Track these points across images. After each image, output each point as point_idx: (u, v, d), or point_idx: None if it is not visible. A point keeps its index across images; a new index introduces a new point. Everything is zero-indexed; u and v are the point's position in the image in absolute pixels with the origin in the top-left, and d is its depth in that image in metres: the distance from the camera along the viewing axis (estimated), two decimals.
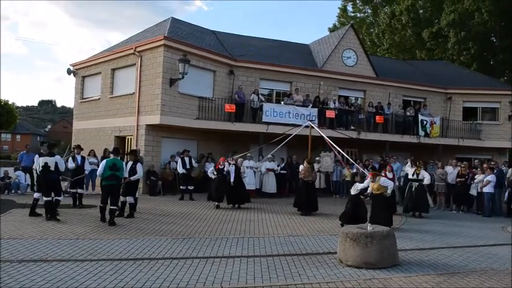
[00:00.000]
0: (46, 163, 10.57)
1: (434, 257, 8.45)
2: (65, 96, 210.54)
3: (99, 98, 20.16)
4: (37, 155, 11.61)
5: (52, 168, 10.58)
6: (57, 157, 10.93)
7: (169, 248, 8.22)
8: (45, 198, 10.61)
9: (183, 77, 16.93)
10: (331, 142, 13.99)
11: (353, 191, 11.26)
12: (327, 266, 7.44)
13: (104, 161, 10.75)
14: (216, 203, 14.06)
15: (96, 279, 6.17)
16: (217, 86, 19.19)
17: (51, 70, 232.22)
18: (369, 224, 8.04)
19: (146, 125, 17.44)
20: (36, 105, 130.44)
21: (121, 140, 18.85)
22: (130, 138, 18.32)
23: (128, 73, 18.83)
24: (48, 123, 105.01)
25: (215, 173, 14.32)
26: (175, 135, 18.23)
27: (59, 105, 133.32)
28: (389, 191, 11.05)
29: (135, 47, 17.97)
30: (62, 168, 10.98)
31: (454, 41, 32.49)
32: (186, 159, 15.91)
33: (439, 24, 33.94)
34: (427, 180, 14.41)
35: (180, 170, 15.87)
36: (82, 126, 21.07)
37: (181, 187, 15.94)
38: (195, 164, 16.42)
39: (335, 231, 10.38)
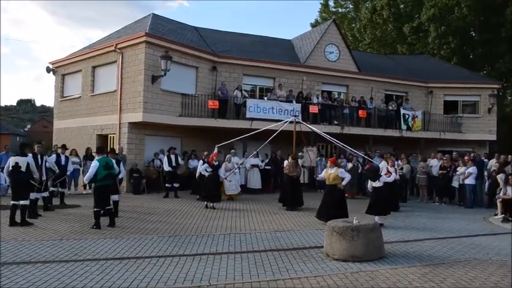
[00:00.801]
0: (17, 163, 9.91)
1: (419, 248, 8.58)
2: (44, 95, 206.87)
3: (80, 96, 19.87)
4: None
5: (23, 169, 9.92)
6: (29, 157, 10.23)
7: (155, 246, 8.17)
8: (12, 202, 9.88)
9: (165, 74, 16.80)
10: (335, 139, 14.34)
11: (377, 184, 10.97)
12: (314, 260, 7.49)
13: (96, 162, 10.02)
14: (211, 204, 13.28)
15: (82, 280, 6.10)
16: (200, 83, 19.09)
17: (29, 69, 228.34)
18: (355, 218, 8.10)
19: (129, 122, 17.27)
20: (15, 104, 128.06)
21: (103, 139, 18.62)
22: (113, 137, 18.12)
23: (109, 70, 18.60)
24: (28, 122, 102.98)
25: (208, 169, 13.66)
26: (158, 132, 18.08)
27: (38, 104, 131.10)
28: (344, 183, 10.76)
29: (116, 44, 17.75)
30: (33, 169, 10.24)
31: (435, 35, 32.88)
32: (172, 156, 15.80)
33: (419, 19, 34.28)
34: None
35: (166, 167, 15.76)
36: (63, 126, 20.75)
37: (166, 185, 15.84)
38: (181, 162, 16.33)
39: (321, 225, 10.45)
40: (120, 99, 17.57)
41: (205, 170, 13.75)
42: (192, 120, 18.09)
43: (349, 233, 7.43)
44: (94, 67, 19.41)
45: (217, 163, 13.83)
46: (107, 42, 19.37)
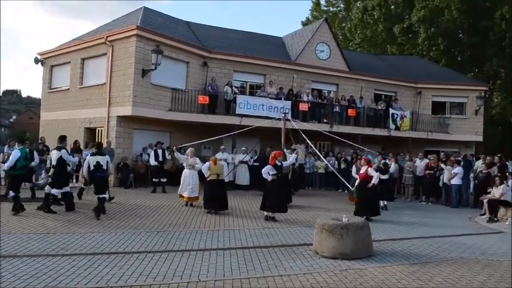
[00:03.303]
0: (98, 162, 10.68)
1: (406, 247, 8.65)
2: (31, 86, 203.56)
3: (69, 89, 19.59)
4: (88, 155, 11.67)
5: (104, 167, 10.79)
6: (107, 156, 11.17)
7: (143, 241, 8.10)
8: (99, 196, 10.62)
9: (155, 68, 16.65)
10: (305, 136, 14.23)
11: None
12: (303, 257, 7.49)
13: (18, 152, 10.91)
14: (272, 214, 11.02)
15: (70, 275, 6.02)
16: (191, 78, 18.96)
17: (15, 59, 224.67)
18: (344, 216, 8.12)
19: (117, 116, 17.08)
20: (0, 95, 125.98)
21: (91, 132, 18.43)
22: (101, 130, 17.92)
23: (98, 63, 18.37)
24: (13, 113, 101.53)
25: (272, 172, 11.05)
26: (147, 127, 17.93)
27: (24, 95, 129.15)
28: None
29: (106, 37, 17.53)
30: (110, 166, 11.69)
31: (424, 36, 33.08)
32: (159, 151, 15.71)
33: (409, 20, 34.47)
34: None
35: (153, 162, 15.67)
36: (50, 117, 20.47)
37: (153, 179, 15.73)
38: (168, 156, 16.23)
39: (309, 223, 10.48)
40: (110, 92, 17.37)
41: (268, 173, 11.07)
42: (181, 115, 17.97)
43: (339, 231, 7.45)
44: (83, 59, 19.15)
45: (280, 164, 11.45)
46: (97, 34, 19.14)
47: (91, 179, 11.04)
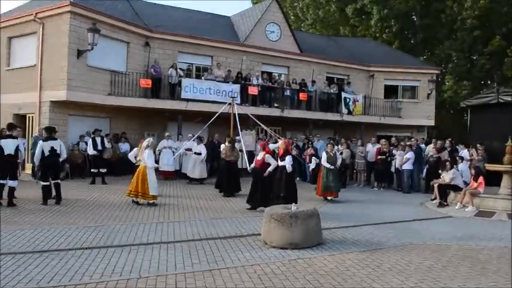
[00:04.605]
0: (52, 147, 10.92)
1: (357, 234, 8.93)
2: None
3: None
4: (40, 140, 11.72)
5: (58, 152, 11.05)
6: (59, 141, 11.40)
7: (80, 237, 7.88)
8: (42, 183, 11.02)
9: (92, 48, 16.16)
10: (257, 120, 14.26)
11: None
12: (251, 248, 7.57)
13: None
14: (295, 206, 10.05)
15: None
16: (131, 59, 18.53)
17: None
18: (293, 204, 8.26)
19: (50, 101, 16.47)
20: None
21: (21, 119, 17.62)
22: (32, 117, 17.22)
23: (27, 42, 17.57)
24: None
25: (292, 162, 11.01)
26: (84, 112, 17.41)
27: None
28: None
29: (36, 13, 16.76)
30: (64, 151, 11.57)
31: (377, 18, 33.83)
32: (98, 139, 15.29)
33: (362, 1, 35.14)
34: None
35: (91, 151, 15.23)
36: None
37: (92, 170, 15.32)
38: (107, 145, 15.82)
39: (259, 212, 10.56)
40: (41, 75, 16.69)
41: (290, 163, 11.04)
42: (122, 99, 17.55)
43: (288, 220, 7.56)
44: (10, 38, 18.25)
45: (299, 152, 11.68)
46: (25, 10, 18.23)
47: (44, 165, 11.07)
